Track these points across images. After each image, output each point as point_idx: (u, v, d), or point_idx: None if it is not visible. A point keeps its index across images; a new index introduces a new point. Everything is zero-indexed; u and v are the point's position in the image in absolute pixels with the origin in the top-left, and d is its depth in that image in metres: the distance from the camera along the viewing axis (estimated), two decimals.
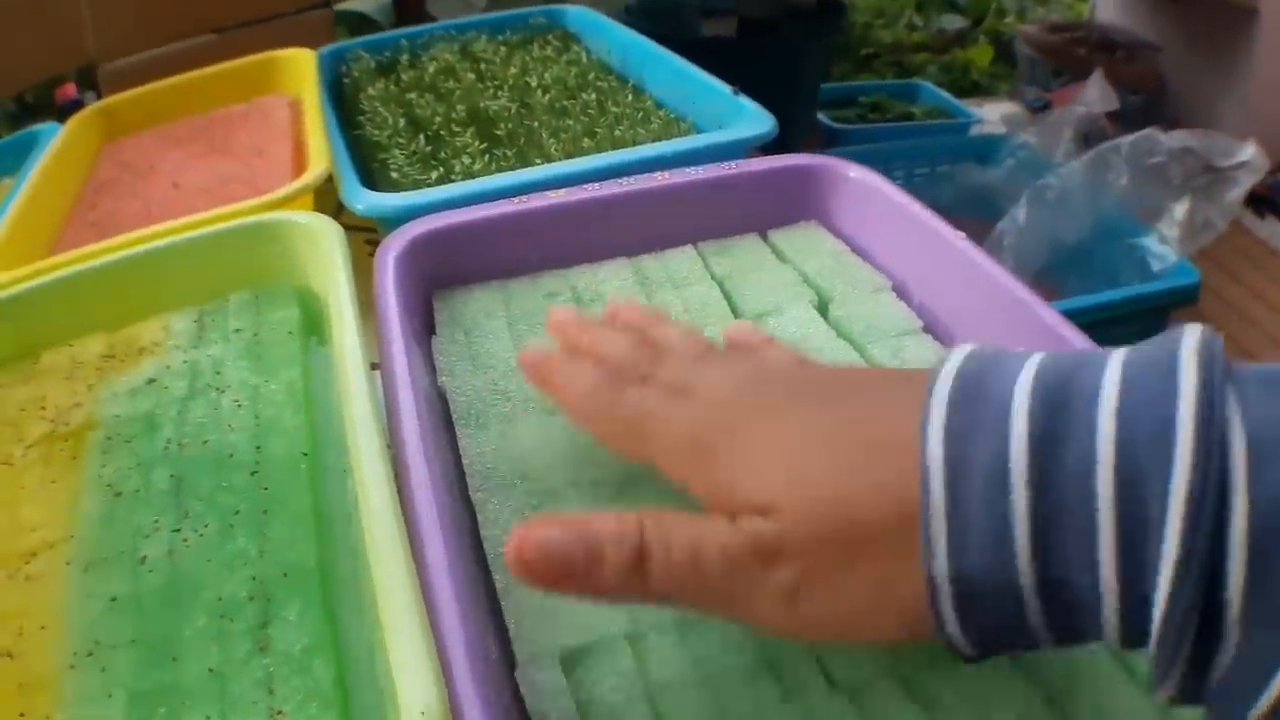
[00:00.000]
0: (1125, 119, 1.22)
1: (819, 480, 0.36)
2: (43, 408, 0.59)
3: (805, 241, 0.70)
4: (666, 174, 0.70)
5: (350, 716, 0.41)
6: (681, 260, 0.68)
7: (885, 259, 0.68)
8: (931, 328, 0.62)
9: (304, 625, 0.44)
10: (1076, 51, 1.50)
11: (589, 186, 0.69)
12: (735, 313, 0.64)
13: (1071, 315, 0.80)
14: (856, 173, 0.71)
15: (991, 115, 1.45)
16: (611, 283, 0.66)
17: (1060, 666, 0.43)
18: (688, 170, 0.71)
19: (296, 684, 0.42)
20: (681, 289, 0.65)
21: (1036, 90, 1.49)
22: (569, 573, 0.37)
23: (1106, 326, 0.94)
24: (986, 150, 1.28)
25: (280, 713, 0.41)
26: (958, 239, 0.63)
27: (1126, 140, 1.16)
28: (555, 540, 0.37)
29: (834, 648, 0.44)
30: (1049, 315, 0.55)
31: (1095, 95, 1.35)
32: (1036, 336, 0.55)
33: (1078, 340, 0.53)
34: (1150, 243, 1.06)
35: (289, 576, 0.46)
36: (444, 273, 0.65)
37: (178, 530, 0.50)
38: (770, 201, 0.72)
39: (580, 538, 0.37)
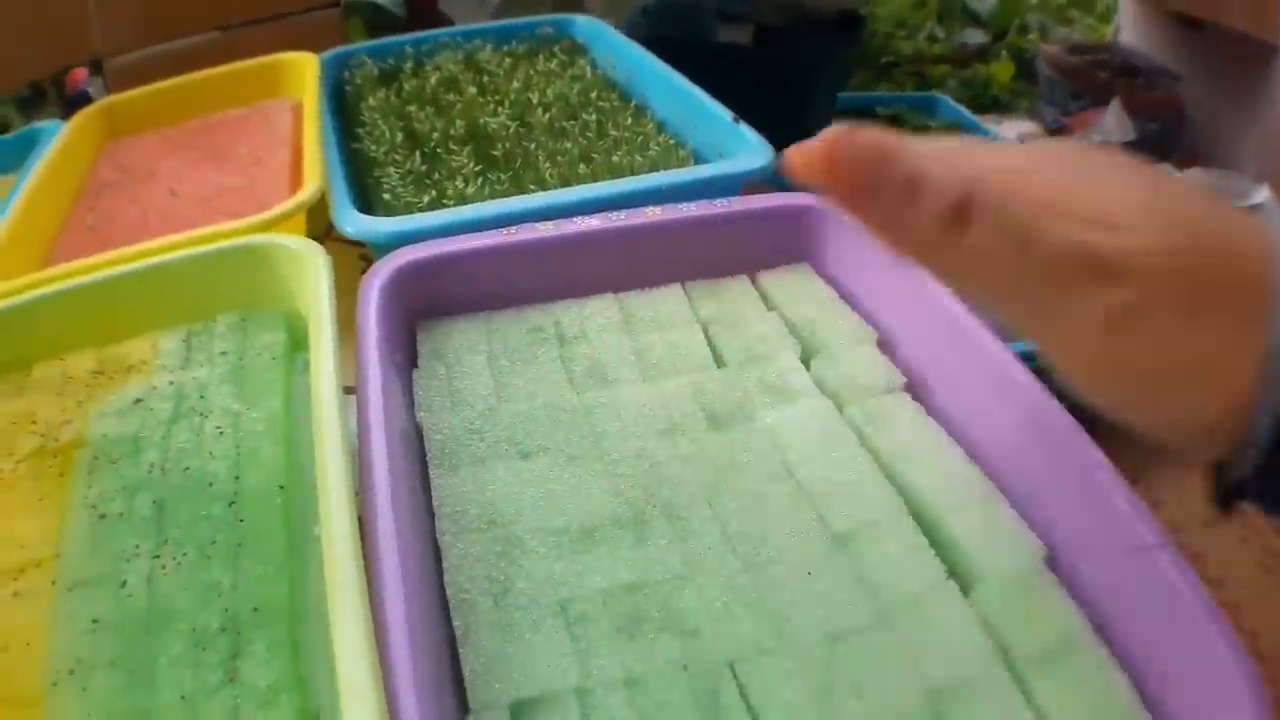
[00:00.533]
0: (1143, 146, 1.24)
1: (1177, 216, 0.34)
2: (34, 422, 0.63)
3: (795, 287, 0.73)
4: (657, 210, 0.73)
5: None
6: (668, 300, 0.71)
7: (873, 306, 0.70)
8: (914, 384, 0.65)
9: (272, 661, 0.48)
10: (1097, 75, 1.51)
11: (577, 220, 0.72)
12: (717, 360, 0.67)
13: None
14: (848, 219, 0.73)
15: (1009, 133, 1.47)
16: (596, 320, 0.69)
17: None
18: (679, 207, 0.73)
19: (260, 717, 0.46)
20: (665, 331, 0.68)
21: (1055, 111, 1.51)
22: (878, 187, 0.35)
23: None
24: None
25: None
26: (945, 293, 0.65)
27: None
28: (876, 147, 0.35)
29: (775, 714, 0.47)
30: (1022, 375, 0.58)
31: (1113, 124, 1.36)
32: (1019, 400, 0.58)
33: (1049, 403, 0.56)
34: None
35: (259, 611, 0.50)
36: (429, 302, 0.68)
37: (157, 557, 0.53)
38: (761, 241, 0.75)
39: (905, 161, 0.35)
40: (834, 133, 0.36)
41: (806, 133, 0.37)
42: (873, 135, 0.36)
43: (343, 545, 0.47)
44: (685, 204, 0.74)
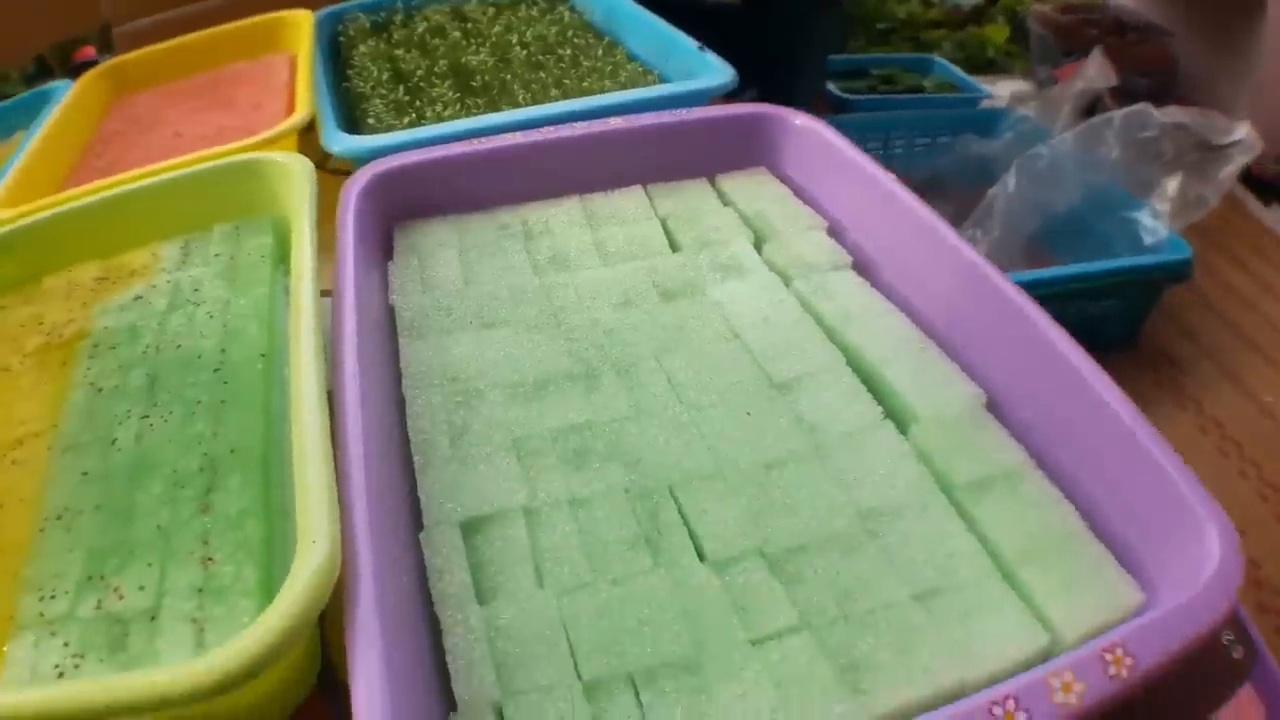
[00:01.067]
0: (1133, 99, 1.25)
1: None
2: (41, 323, 0.67)
3: (751, 186, 0.76)
4: (620, 119, 0.76)
5: (272, 567, 0.49)
6: (629, 200, 0.74)
7: (827, 203, 0.73)
8: (860, 265, 0.68)
9: (243, 492, 0.52)
10: (1088, 32, 1.52)
11: (545, 130, 0.75)
12: (674, 247, 0.70)
13: (1060, 283, 0.87)
14: (802, 120, 0.76)
15: (1003, 92, 1.48)
16: (560, 218, 0.72)
17: (932, 564, 0.48)
18: (641, 116, 0.76)
19: (229, 538, 0.49)
20: (626, 225, 0.72)
21: (1047, 70, 1.53)
22: None
23: (1097, 296, 0.95)
24: (988, 123, 1.31)
25: (211, 559, 0.49)
26: (892, 183, 0.68)
27: (1119, 114, 1.17)
28: None
29: (709, 528, 0.50)
30: (971, 255, 0.60)
31: (1095, 71, 1.37)
32: (957, 271, 0.60)
33: (994, 275, 0.58)
34: (1143, 216, 1.07)
35: (235, 453, 0.54)
36: (405, 207, 0.72)
37: (146, 417, 0.57)
38: (720, 148, 0.77)
39: None
40: None
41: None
42: None
43: (308, 386, 0.52)
44: (647, 114, 0.77)
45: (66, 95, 1.01)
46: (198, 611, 0.47)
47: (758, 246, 0.70)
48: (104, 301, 0.67)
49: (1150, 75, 1.50)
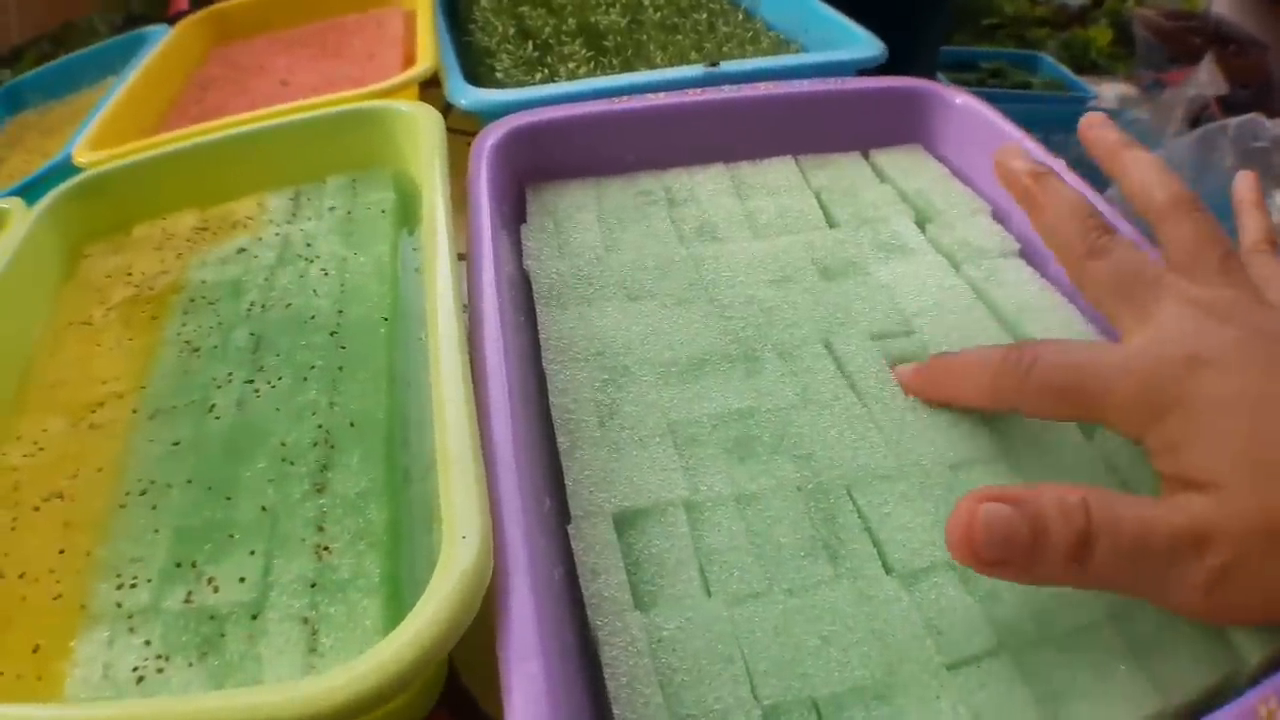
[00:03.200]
0: (1236, 110, 1.19)
1: (1268, 463, 0.35)
2: (129, 274, 0.59)
3: (907, 163, 0.67)
4: (770, 85, 0.68)
5: (399, 558, 0.40)
6: (779, 170, 0.66)
7: (987, 185, 0.65)
8: (1028, 253, 0.59)
9: (364, 471, 0.44)
10: (1191, 40, 1.46)
11: (691, 91, 0.67)
12: (830, 222, 0.62)
13: None
14: (962, 99, 0.68)
15: (1107, 93, 1.41)
16: (706, 186, 0.64)
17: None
18: (792, 83, 0.68)
19: (348, 524, 0.41)
20: (777, 196, 0.63)
21: (1151, 74, 1.46)
22: (1011, 553, 0.35)
23: None
24: None
25: (327, 549, 0.41)
26: (1062, 168, 0.59)
27: (1233, 122, 1.12)
28: (1001, 518, 0.35)
29: (893, 534, 0.43)
30: (1148, 250, 0.51)
31: (1206, 78, 1.32)
32: None
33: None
34: None
35: (356, 426, 0.46)
36: (540, 166, 0.64)
37: (250, 382, 0.49)
38: (873, 122, 0.69)
39: (1025, 515, 0.35)
40: (965, 513, 0.36)
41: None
42: (990, 511, 0.36)
43: (450, 354, 0.44)
44: (798, 81, 0.69)
45: (163, 39, 0.93)
46: (310, 610, 0.39)
47: (920, 226, 0.61)
48: (202, 253, 0.59)
49: (1250, 87, 1.44)
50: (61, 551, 0.43)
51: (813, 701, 0.37)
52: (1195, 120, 1.29)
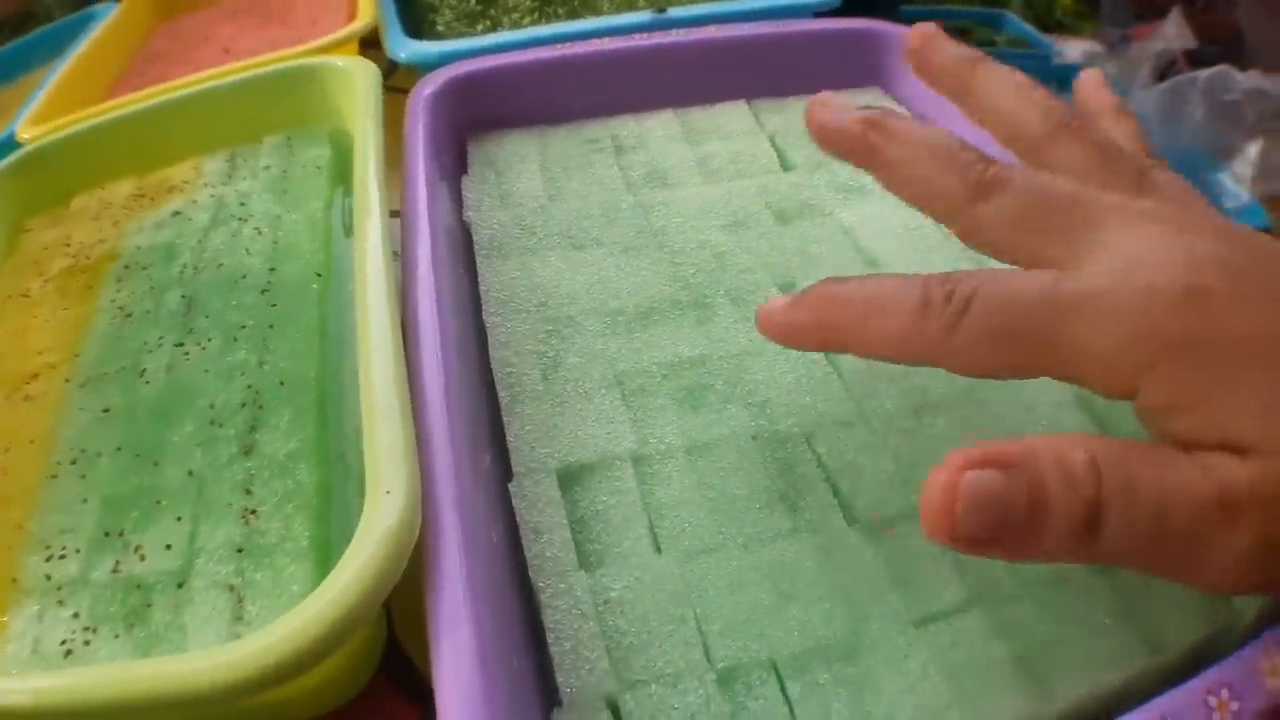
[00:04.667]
0: (1200, 65, 1.17)
1: None
2: (67, 245, 0.56)
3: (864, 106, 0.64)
4: (720, 28, 0.65)
5: (329, 520, 0.38)
6: (732, 114, 0.63)
7: (948, 127, 0.61)
8: None
9: (293, 431, 0.41)
10: None
11: (638, 36, 0.64)
12: (785, 166, 0.59)
13: None
14: None
15: (1073, 53, 1.39)
16: (656, 132, 0.61)
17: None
18: (742, 25, 0.66)
19: (276, 486, 0.39)
20: (729, 140, 0.60)
21: (1118, 32, 1.44)
22: (1004, 531, 0.28)
23: None
24: (1067, 77, 1.20)
25: (254, 513, 0.38)
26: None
27: (1202, 75, 1.10)
28: (990, 489, 0.28)
29: (856, 483, 0.40)
30: None
31: (1173, 32, 1.30)
32: None
33: None
34: (1224, 179, 0.99)
35: (285, 385, 0.43)
36: (481, 118, 0.61)
37: (180, 345, 0.46)
38: (829, 65, 0.66)
39: (1020, 483, 0.28)
40: (945, 482, 0.29)
41: None
42: (975, 478, 0.28)
43: (377, 305, 0.41)
44: (749, 24, 0.66)
45: (107, 17, 0.89)
46: (235, 577, 0.36)
47: None
48: (138, 220, 0.56)
49: (1218, 43, 1.42)
50: None
51: (772, 662, 0.34)
52: (1162, 75, 1.26)
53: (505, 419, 0.42)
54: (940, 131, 0.35)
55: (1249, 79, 1.08)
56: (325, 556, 0.36)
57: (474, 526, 0.35)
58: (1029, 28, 1.47)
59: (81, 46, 0.81)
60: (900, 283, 0.33)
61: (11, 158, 0.61)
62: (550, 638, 0.34)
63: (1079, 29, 1.56)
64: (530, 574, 0.36)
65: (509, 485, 0.39)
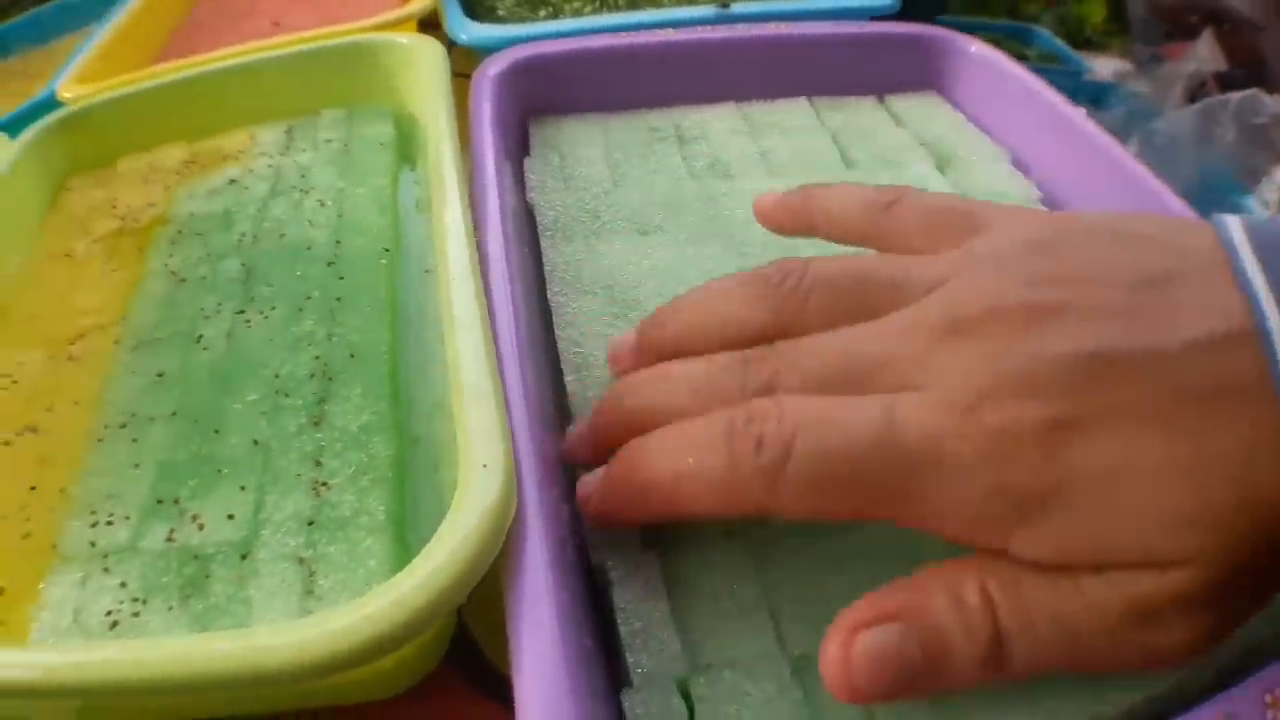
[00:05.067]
0: (1230, 87, 1.16)
1: (1194, 516, 0.25)
2: (114, 207, 0.54)
3: (923, 109, 0.63)
4: (783, 25, 0.64)
5: (405, 496, 0.36)
6: (793, 110, 0.62)
7: (1003, 137, 0.61)
8: (1050, 204, 0.55)
9: (365, 405, 0.39)
10: (1188, 17, 1.43)
11: (702, 29, 0.63)
12: (847, 164, 0.57)
13: None
14: (976, 47, 0.64)
15: (1104, 70, 1.38)
16: (717, 124, 0.59)
17: None
18: (805, 24, 0.65)
19: (349, 459, 0.37)
20: (791, 136, 0.59)
21: (1147, 50, 1.43)
22: (907, 683, 0.27)
23: None
24: (1099, 95, 1.21)
25: (325, 485, 0.36)
26: (1082, 119, 0.56)
27: (1234, 97, 1.09)
28: (885, 648, 0.27)
29: None
30: (1176, 204, 0.49)
31: (1206, 53, 1.29)
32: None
33: (1190, 217, 0.46)
34: (1252, 204, 0.98)
35: (356, 358, 0.41)
36: (543, 101, 0.60)
37: (241, 313, 0.45)
38: (887, 67, 0.65)
39: (915, 634, 0.27)
40: (838, 645, 0.28)
41: None
42: (869, 639, 0.27)
43: (462, 283, 0.40)
44: (811, 23, 0.65)
45: None
46: (306, 549, 0.35)
47: (940, 170, 0.57)
48: (190, 186, 0.55)
49: (1244, 67, 1.41)
50: (33, 488, 0.39)
51: None
52: (1193, 96, 1.25)
53: (570, 400, 0.41)
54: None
55: (1277, 103, 1.08)
56: (401, 531, 0.35)
57: (555, 505, 0.34)
58: (1060, 43, 1.46)
59: (124, 12, 0.79)
60: (703, 427, 0.30)
61: (55, 115, 0.59)
62: (620, 617, 0.33)
63: (1108, 46, 1.56)
64: (592, 555, 0.35)
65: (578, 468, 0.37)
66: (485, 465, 0.31)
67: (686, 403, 0.32)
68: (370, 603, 0.28)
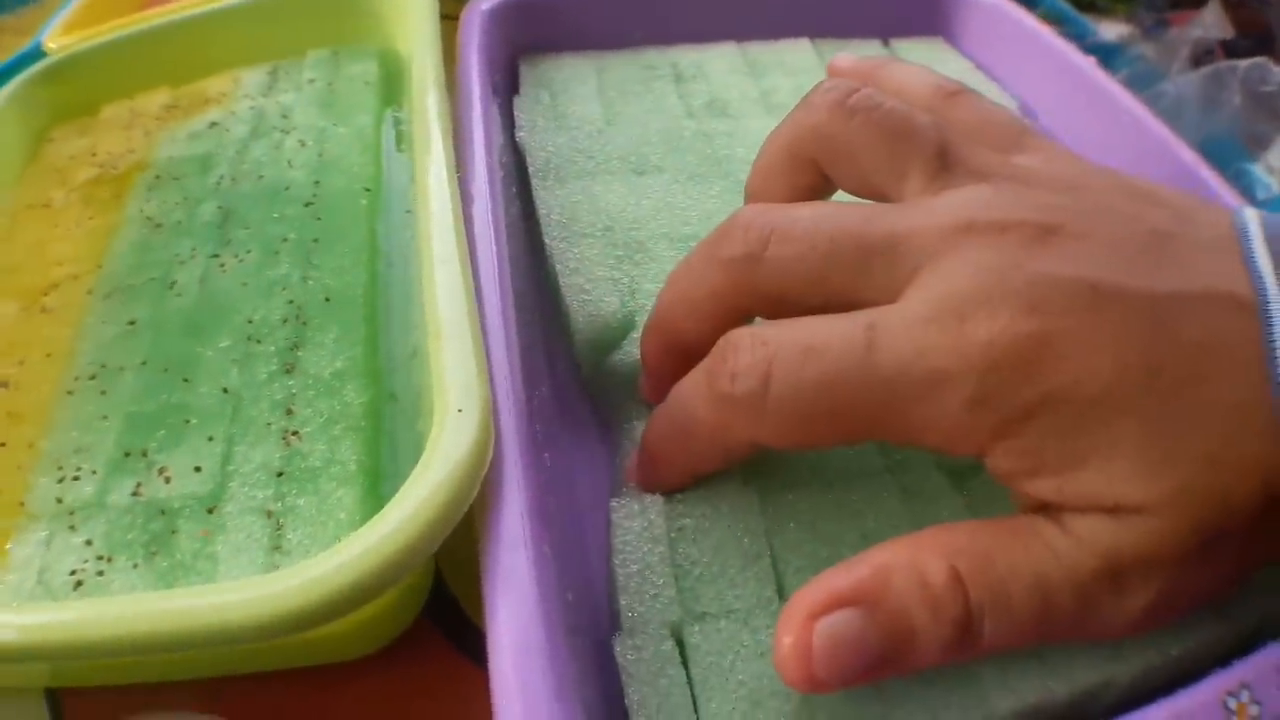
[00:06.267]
0: (1236, 56, 1.14)
1: (1165, 460, 0.25)
2: (94, 154, 0.51)
3: (929, 53, 0.60)
4: None
5: (379, 446, 0.33)
6: (794, 50, 0.58)
7: (1011, 84, 0.58)
8: None
9: (339, 350, 0.37)
10: None
11: None
12: None
13: None
14: None
15: (1108, 34, 1.35)
16: (717, 63, 0.56)
17: None
18: None
19: (321, 407, 0.35)
20: (793, 75, 0.56)
21: (1153, 16, 1.40)
22: (869, 670, 0.25)
23: None
24: (1104, 57, 1.17)
25: (296, 434, 0.34)
26: (1092, 68, 0.54)
27: (1242, 64, 1.06)
28: (845, 636, 0.25)
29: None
30: (1186, 154, 0.46)
31: (1212, 20, 1.26)
32: (1171, 172, 0.47)
33: (1213, 180, 0.45)
34: (1257, 170, 0.95)
35: (331, 301, 0.39)
36: (535, 39, 0.56)
37: (215, 256, 0.42)
38: (893, 10, 0.62)
39: (879, 618, 0.25)
40: (796, 641, 0.25)
41: None
42: (828, 627, 0.25)
43: (442, 221, 0.37)
44: None
45: None
46: (274, 501, 0.32)
47: None
48: (171, 130, 0.52)
49: (1250, 38, 1.38)
50: (3, 444, 0.36)
51: None
52: (1198, 63, 1.22)
53: (578, 350, 0.39)
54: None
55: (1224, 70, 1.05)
56: (374, 482, 0.32)
57: (534, 451, 0.32)
58: (1065, 5, 1.43)
59: None
60: (689, 377, 0.30)
61: (38, 65, 0.57)
62: (617, 560, 0.31)
63: (1113, 10, 1.52)
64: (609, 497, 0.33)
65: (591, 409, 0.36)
66: (460, 410, 0.28)
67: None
68: (335, 556, 0.26)
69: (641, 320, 0.39)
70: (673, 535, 0.32)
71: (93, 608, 0.28)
